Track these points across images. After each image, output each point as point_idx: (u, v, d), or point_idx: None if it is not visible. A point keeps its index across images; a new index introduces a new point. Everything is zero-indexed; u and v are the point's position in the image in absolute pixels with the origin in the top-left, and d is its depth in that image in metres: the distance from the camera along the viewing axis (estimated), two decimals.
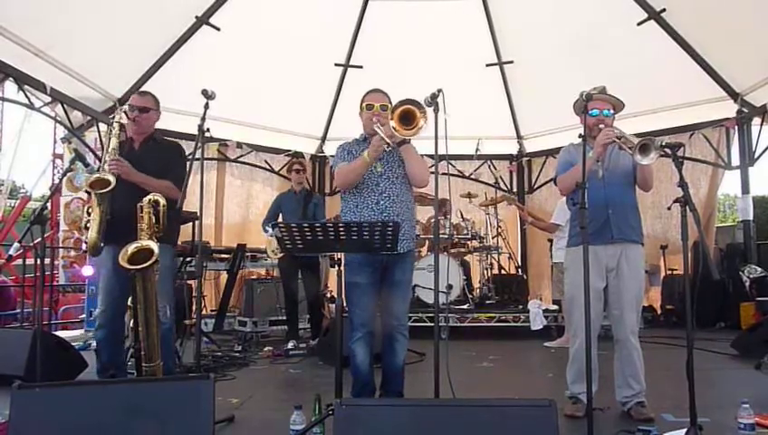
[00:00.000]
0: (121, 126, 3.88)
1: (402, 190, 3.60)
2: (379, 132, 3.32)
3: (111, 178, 3.55)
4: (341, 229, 2.96)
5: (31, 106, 6.55)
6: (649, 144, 3.22)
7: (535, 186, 10.25)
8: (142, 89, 7.36)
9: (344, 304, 3.27)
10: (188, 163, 3.71)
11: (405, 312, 3.66)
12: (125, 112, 3.93)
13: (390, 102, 3.57)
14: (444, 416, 2.34)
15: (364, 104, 3.64)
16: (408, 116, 3.35)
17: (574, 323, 3.61)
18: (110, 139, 3.75)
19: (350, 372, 3.48)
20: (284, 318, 6.58)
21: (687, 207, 2.90)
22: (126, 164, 3.70)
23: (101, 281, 3.88)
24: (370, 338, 3.55)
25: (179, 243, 6.40)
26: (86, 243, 3.64)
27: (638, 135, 3.35)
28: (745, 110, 7.94)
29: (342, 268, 3.21)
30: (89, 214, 3.63)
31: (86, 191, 3.99)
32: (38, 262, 3.48)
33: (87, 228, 3.61)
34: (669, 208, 3.03)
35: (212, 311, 7.74)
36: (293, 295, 6.35)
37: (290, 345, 6.11)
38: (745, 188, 8.20)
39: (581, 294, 2.98)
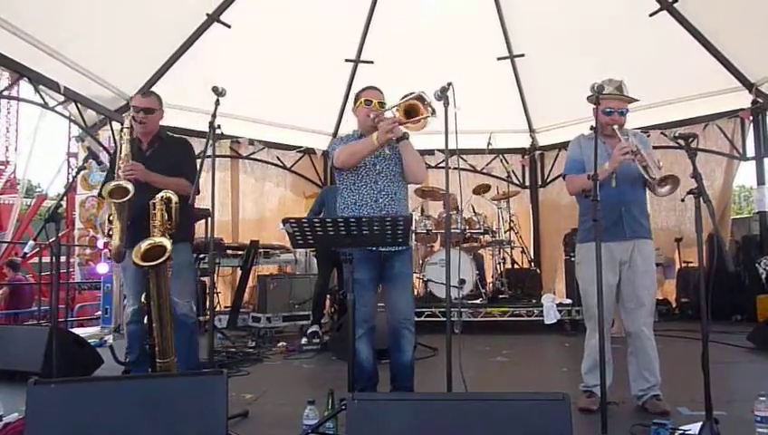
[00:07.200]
0: (130, 128, 3.85)
1: (399, 188, 3.65)
2: (392, 113, 3.35)
3: (130, 187, 3.54)
4: (352, 224, 2.96)
5: (45, 105, 6.60)
6: (667, 179, 3.34)
7: (548, 179, 10.17)
8: (152, 88, 7.43)
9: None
10: (200, 160, 3.71)
11: (409, 305, 3.63)
12: (133, 116, 3.89)
13: (385, 101, 3.65)
14: (457, 410, 2.33)
15: (362, 99, 3.65)
16: (411, 110, 3.37)
17: (591, 318, 3.60)
18: (121, 145, 3.74)
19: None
20: (299, 313, 6.64)
21: (701, 199, 2.87)
22: (140, 167, 3.70)
23: (129, 281, 3.94)
24: (372, 333, 3.57)
25: None
26: (110, 250, 3.67)
27: (649, 127, 3.35)
28: (760, 100, 7.83)
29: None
30: (110, 222, 3.64)
31: (99, 195, 4.02)
32: (54, 260, 3.50)
33: (110, 236, 3.63)
34: (683, 200, 3.00)
35: (226, 307, 7.78)
36: (323, 285, 6.48)
37: (303, 341, 6.16)
38: (761, 179, 8.09)
39: (594, 289, 2.96)
